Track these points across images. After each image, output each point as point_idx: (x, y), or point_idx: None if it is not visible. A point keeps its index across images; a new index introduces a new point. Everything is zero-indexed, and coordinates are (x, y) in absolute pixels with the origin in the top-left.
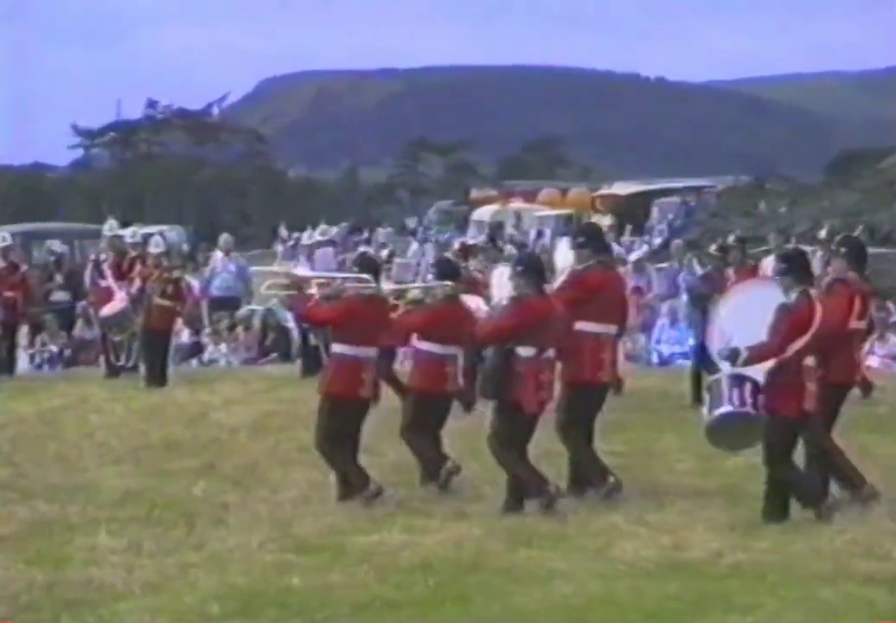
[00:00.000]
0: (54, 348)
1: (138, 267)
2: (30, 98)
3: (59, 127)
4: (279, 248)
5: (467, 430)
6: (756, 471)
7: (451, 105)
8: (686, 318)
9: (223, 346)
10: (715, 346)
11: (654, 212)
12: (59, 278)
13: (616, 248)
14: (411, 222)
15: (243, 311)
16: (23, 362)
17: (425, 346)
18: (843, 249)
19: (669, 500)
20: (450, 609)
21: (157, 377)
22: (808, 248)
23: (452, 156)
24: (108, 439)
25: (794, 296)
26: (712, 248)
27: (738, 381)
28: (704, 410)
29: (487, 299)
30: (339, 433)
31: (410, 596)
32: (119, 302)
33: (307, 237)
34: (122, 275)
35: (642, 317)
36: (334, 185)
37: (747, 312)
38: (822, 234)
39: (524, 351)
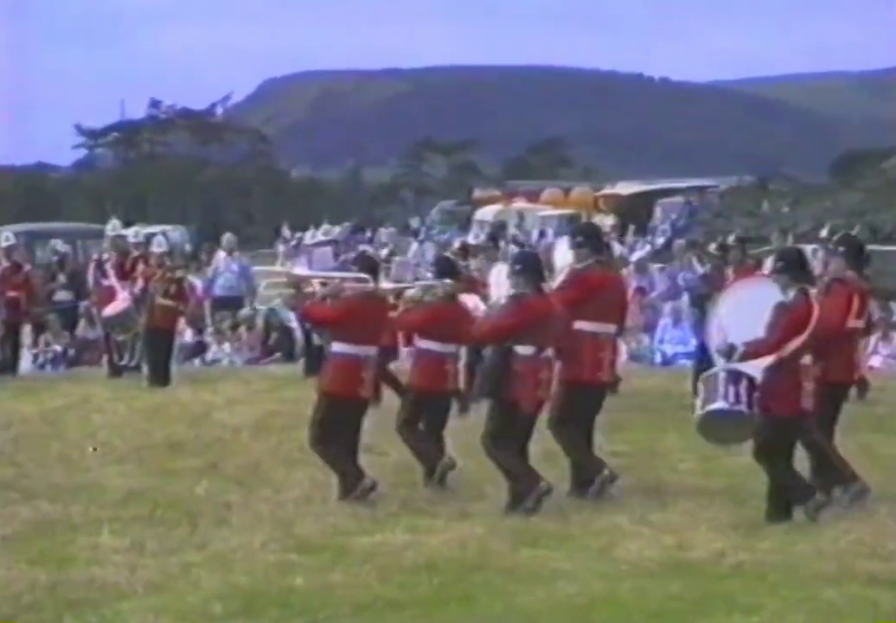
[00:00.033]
0: (57, 348)
1: (141, 267)
2: (33, 98)
3: (63, 127)
4: (281, 247)
5: (470, 430)
6: (759, 471)
7: (454, 105)
8: (688, 318)
9: (226, 346)
10: (713, 342)
11: (657, 212)
12: (62, 278)
13: (619, 247)
14: (415, 222)
15: (246, 310)
16: (26, 362)
17: (425, 344)
18: (841, 248)
19: (672, 500)
20: (453, 609)
21: (160, 377)
22: (810, 248)
23: (456, 156)
24: (110, 439)
25: (791, 294)
26: (712, 246)
27: (735, 377)
28: (698, 402)
29: (485, 298)
30: (332, 430)
31: (413, 596)
32: (122, 302)
33: (310, 237)
34: (125, 274)
35: (645, 317)
36: (338, 185)
37: (745, 310)
38: (824, 233)
39: (522, 350)
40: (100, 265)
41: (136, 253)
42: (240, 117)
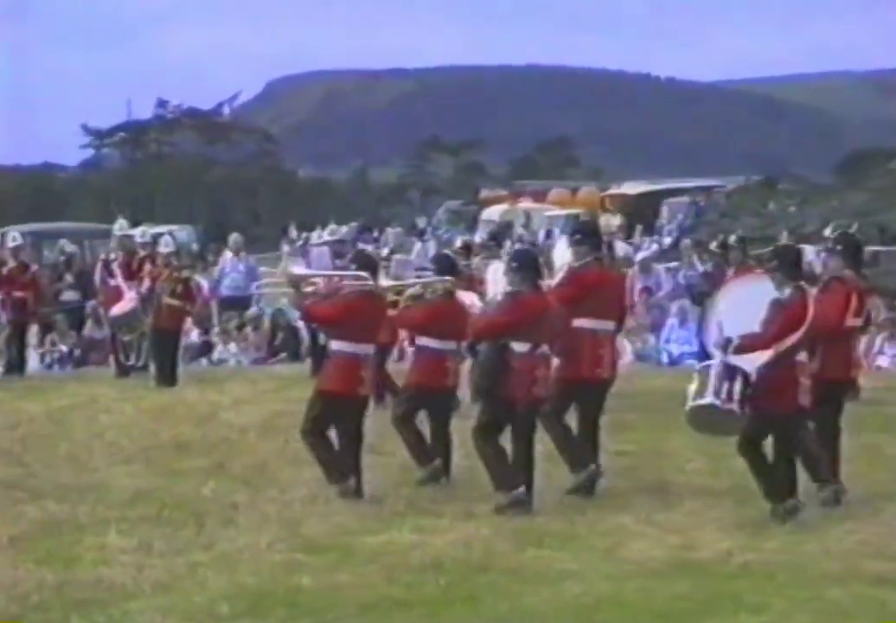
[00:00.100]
0: (64, 348)
1: (148, 266)
2: (40, 98)
3: (69, 127)
4: (285, 247)
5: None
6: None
7: (461, 105)
8: (694, 318)
9: (233, 346)
10: (711, 338)
11: (664, 211)
12: (69, 278)
13: (624, 247)
14: (421, 222)
15: (253, 310)
16: (33, 362)
17: (425, 341)
18: (839, 247)
19: (678, 500)
20: (459, 609)
21: (167, 377)
22: (815, 248)
23: (462, 156)
24: (117, 439)
25: (787, 291)
26: (713, 244)
27: (730, 373)
28: (690, 389)
29: (483, 295)
30: (327, 426)
31: (420, 596)
32: (129, 301)
33: (316, 237)
34: (131, 274)
35: (651, 317)
36: (344, 185)
37: (743, 306)
38: (827, 232)
39: (518, 346)
40: (107, 265)
41: (142, 253)
42: (246, 117)
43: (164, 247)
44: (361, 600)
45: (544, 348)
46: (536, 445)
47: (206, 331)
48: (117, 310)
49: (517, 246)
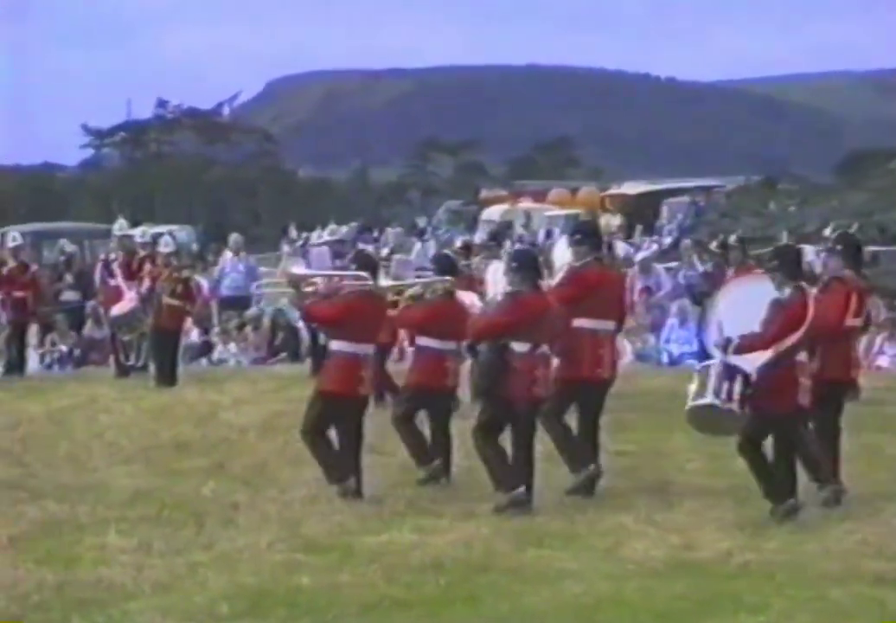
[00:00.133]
0: (64, 348)
1: (148, 266)
2: (40, 98)
3: (69, 127)
4: (285, 248)
5: None
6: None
7: (460, 105)
8: (694, 318)
9: (232, 346)
10: (711, 338)
11: (664, 211)
12: (69, 278)
13: (626, 247)
14: (421, 222)
15: (253, 310)
16: (33, 362)
17: (425, 341)
18: (839, 247)
19: (678, 500)
20: (459, 609)
21: (167, 377)
22: (816, 248)
23: (462, 156)
24: (117, 439)
25: (787, 291)
26: (713, 244)
27: (730, 373)
28: (690, 389)
29: (482, 295)
30: (327, 426)
31: (420, 596)
32: (129, 301)
33: (316, 237)
34: (131, 274)
35: (652, 317)
36: (344, 185)
37: (742, 307)
38: (827, 232)
39: (518, 346)
40: (107, 265)
41: (142, 253)
42: (246, 117)
43: (164, 247)
44: (362, 600)
45: (544, 348)
46: (536, 445)
47: (206, 331)
48: (117, 310)
49: (517, 246)
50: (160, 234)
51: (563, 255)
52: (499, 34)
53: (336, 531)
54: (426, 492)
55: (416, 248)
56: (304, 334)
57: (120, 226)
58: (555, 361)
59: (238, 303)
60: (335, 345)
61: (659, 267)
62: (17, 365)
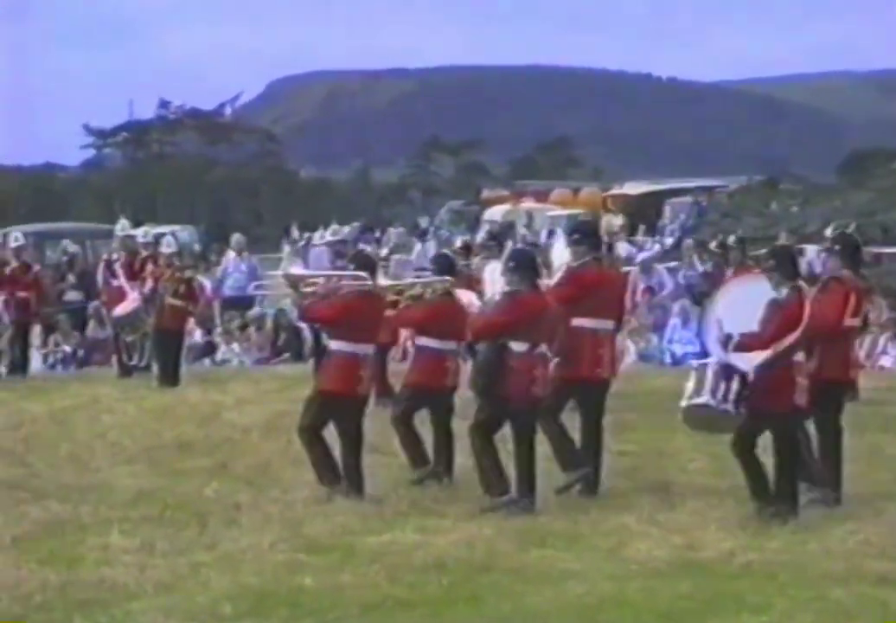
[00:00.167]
0: (67, 348)
1: (150, 267)
2: (41, 98)
3: (71, 127)
4: (286, 248)
5: None
6: (768, 471)
7: (462, 105)
8: (697, 318)
9: (235, 346)
10: (711, 337)
11: (667, 211)
12: (71, 278)
13: (628, 248)
14: (423, 222)
15: (255, 310)
16: (36, 362)
17: (424, 341)
18: (837, 247)
19: (681, 500)
20: (462, 609)
21: (170, 377)
22: (817, 248)
23: (464, 156)
24: (120, 439)
25: (784, 291)
26: (713, 244)
27: (727, 373)
28: (688, 387)
29: (481, 295)
30: (324, 425)
31: (422, 596)
32: (131, 302)
33: (318, 237)
34: (134, 275)
35: (654, 317)
36: (346, 185)
37: (741, 306)
38: (828, 232)
39: (517, 346)
40: (109, 265)
41: (145, 253)
42: (248, 117)
43: (167, 247)
44: (364, 600)
45: (542, 348)
46: (537, 447)
47: (208, 331)
48: (120, 310)
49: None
50: (162, 235)
51: (561, 254)
52: (500, 34)
53: (338, 531)
54: (429, 492)
55: (416, 248)
56: (307, 334)
57: (122, 226)
58: (553, 361)
59: (241, 303)
60: (334, 345)
61: (660, 267)
62: (20, 365)
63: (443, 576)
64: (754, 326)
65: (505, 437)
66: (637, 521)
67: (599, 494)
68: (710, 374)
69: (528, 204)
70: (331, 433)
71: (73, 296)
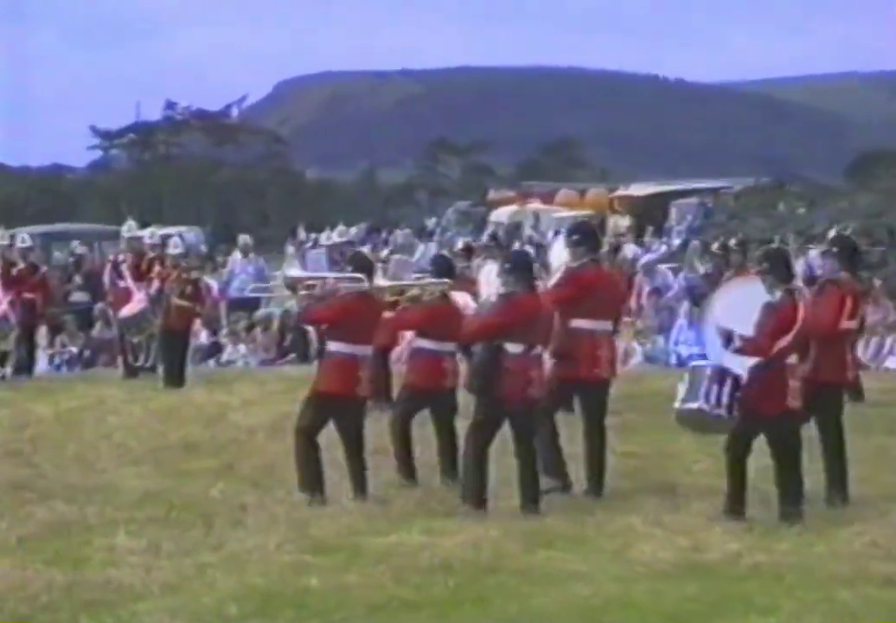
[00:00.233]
0: (73, 349)
1: (157, 268)
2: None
3: (78, 128)
4: (290, 249)
5: None
6: (773, 472)
7: (468, 106)
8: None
9: (241, 347)
10: (709, 336)
11: (673, 213)
12: (78, 279)
13: (635, 249)
14: (430, 223)
15: (261, 312)
16: (42, 363)
17: (422, 342)
18: (834, 249)
19: (686, 502)
20: (468, 610)
21: (176, 378)
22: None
23: (470, 157)
24: (126, 440)
25: (778, 294)
26: (714, 246)
27: (720, 376)
28: (680, 389)
29: (476, 296)
30: (321, 427)
31: (428, 597)
32: (138, 303)
33: (325, 238)
34: (140, 276)
35: (660, 318)
36: (352, 187)
37: (739, 308)
38: (832, 234)
39: (512, 347)
40: (116, 266)
41: (151, 254)
42: (254, 119)
43: (173, 248)
44: (370, 601)
45: (538, 349)
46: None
47: (214, 332)
48: (126, 311)
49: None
50: (169, 236)
51: (559, 255)
52: (507, 35)
53: (344, 532)
54: (435, 493)
55: (419, 249)
56: (313, 336)
57: (129, 227)
58: (548, 362)
59: (247, 304)
60: (332, 346)
61: (665, 269)
62: (26, 366)
63: (449, 577)
64: (751, 329)
65: (505, 438)
66: (642, 523)
67: (605, 496)
68: (704, 377)
69: (534, 205)
70: (331, 433)
71: (79, 297)
